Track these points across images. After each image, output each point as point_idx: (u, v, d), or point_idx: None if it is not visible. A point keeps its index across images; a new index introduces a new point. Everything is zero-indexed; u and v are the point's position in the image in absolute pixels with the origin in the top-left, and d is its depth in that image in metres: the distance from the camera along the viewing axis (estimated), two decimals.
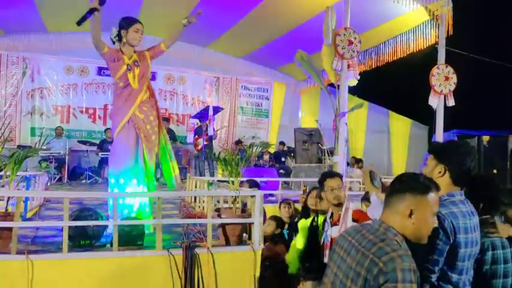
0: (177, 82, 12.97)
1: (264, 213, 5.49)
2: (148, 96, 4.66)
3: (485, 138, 11.47)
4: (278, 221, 5.01)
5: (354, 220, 3.29)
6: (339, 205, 3.52)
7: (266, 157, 12.09)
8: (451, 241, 2.05)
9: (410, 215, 1.84)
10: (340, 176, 3.64)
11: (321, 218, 3.95)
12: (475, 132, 11.80)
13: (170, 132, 11.28)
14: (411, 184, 1.90)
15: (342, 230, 3.25)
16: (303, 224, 4.16)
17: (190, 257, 3.70)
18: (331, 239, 3.43)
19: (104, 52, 4.35)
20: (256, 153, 4.73)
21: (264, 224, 4.77)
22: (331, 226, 3.52)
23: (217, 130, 11.68)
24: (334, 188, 3.52)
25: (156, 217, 3.91)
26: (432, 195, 1.87)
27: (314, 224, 4.00)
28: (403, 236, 1.85)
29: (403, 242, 1.84)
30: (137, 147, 4.55)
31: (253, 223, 4.04)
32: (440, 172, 2.22)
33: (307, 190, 6.03)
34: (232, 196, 4.25)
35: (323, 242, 3.56)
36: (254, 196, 4.06)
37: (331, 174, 3.66)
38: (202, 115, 10.28)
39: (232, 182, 4.14)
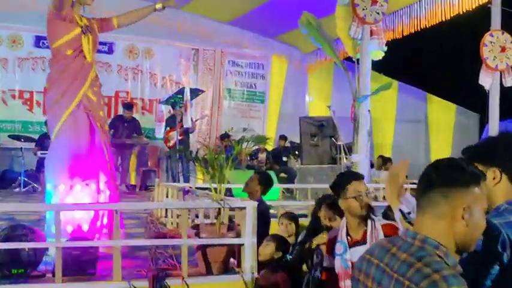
0: (142, 56, 12.94)
1: (262, 231, 5.46)
2: (96, 75, 4.67)
3: None
4: (279, 241, 5.02)
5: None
6: (365, 218, 3.49)
7: (262, 156, 12.12)
8: (506, 257, 2.07)
9: (460, 216, 1.83)
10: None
11: (320, 239, 3.95)
12: None
13: (133, 123, 11.28)
14: (456, 174, 1.87)
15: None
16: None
17: None
18: (352, 264, 3.44)
19: (63, 12, 4.36)
20: (248, 150, 4.74)
21: (259, 245, 4.78)
22: (350, 247, 3.51)
23: (195, 120, 11.67)
24: (361, 193, 3.45)
25: (113, 237, 3.91)
26: (483, 186, 1.87)
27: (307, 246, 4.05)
28: (446, 246, 1.83)
29: (450, 256, 1.82)
30: (92, 141, 4.55)
31: (243, 245, 4.04)
32: (494, 178, 2.23)
33: (319, 199, 6.02)
34: (216, 209, 4.26)
35: (339, 270, 3.56)
36: (245, 208, 4.07)
37: (356, 175, 3.63)
38: (176, 100, 10.27)
39: (216, 189, 4.14)
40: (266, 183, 5.57)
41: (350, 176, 3.62)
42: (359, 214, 3.46)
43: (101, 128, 4.59)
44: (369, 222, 3.45)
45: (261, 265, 4.60)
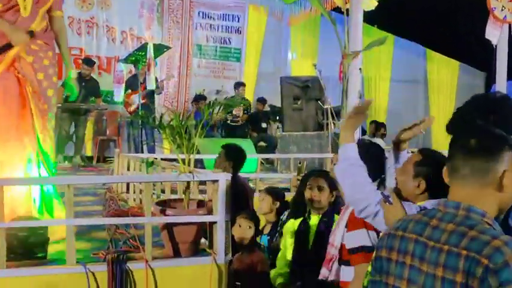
0: (97, 7, 12.74)
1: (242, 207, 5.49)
2: (44, 28, 4.59)
3: None
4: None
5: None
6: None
7: (240, 114, 12.07)
8: None
9: (503, 182, 1.95)
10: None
11: (315, 218, 4.01)
12: None
13: (92, 82, 11.11)
14: (496, 140, 2.00)
15: (338, 235, 3.34)
16: (291, 226, 4.22)
17: (120, 275, 3.72)
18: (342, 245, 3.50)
19: None
20: (220, 115, 4.72)
21: (237, 221, 4.84)
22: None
23: (161, 81, 11.57)
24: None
25: (66, 216, 3.90)
26: None
27: (302, 227, 4.07)
28: (490, 213, 1.95)
29: (496, 223, 1.94)
30: (22, 109, 4.48)
31: (215, 223, 4.07)
32: None
33: (303, 170, 6.08)
34: (184, 182, 4.26)
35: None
36: (217, 181, 4.08)
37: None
38: (138, 58, 10.17)
39: (184, 160, 4.14)
40: (235, 157, 5.47)
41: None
42: None
43: (34, 95, 4.49)
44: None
45: (236, 246, 4.66)
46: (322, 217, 4.07)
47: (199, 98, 12.18)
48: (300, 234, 4.13)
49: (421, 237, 1.96)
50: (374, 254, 2.09)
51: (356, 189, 2.71)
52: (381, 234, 2.06)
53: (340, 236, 3.31)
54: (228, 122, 12.04)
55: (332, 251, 3.39)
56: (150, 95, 10.68)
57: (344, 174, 2.76)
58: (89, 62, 11.14)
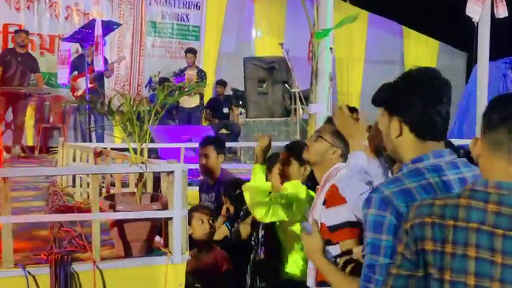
0: None
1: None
2: None
3: None
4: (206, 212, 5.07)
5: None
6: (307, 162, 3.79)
7: (196, 101, 12.02)
8: None
9: None
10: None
11: None
12: None
13: (29, 58, 10.94)
14: None
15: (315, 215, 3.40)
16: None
17: (64, 278, 3.68)
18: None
19: None
20: (176, 99, 4.67)
21: (196, 217, 4.82)
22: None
23: (111, 63, 11.48)
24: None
25: (1, 212, 3.83)
26: None
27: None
28: None
29: None
30: None
31: (171, 219, 4.05)
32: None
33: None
34: (136, 174, 4.22)
35: None
36: (172, 173, 4.06)
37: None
38: (85, 36, 10.04)
39: (136, 150, 4.11)
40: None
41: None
42: None
43: None
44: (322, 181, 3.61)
45: (194, 243, 4.65)
46: None
47: (162, 81, 12.10)
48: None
49: (483, 225, 1.96)
50: (410, 246, 2.05)
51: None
52: (411, 223, 2.07)
53: (318, 216, 3.34)
54: (184, 106, 11.92)
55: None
56: (98, 78, 10.58)
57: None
58: (20, 31, 10.96)
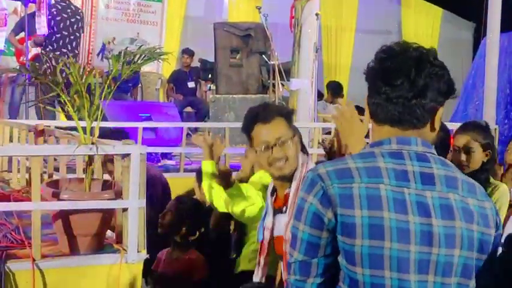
0: None
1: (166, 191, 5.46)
2: None
3: None
4: (191, 208, 5.07)
5: None
6: (286, 178, 3.62)
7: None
8: None
9: None
10: (288, 117, 3.72)
11: None
12: None
13: None
14: None
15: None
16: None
17: None
18: (274, 236, 3.58)
19: None
20: (134, 68, 4.64)
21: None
22: (275, 212, 3.64)
23: None
24: (271, 143, 3.57)
25: None
26: None
27: None
28: None
29: None
30: None
31: (126, 210, 4.03)
32: None
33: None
34: (85, 157, 4.19)
35: (261, 241, 3.70)
36: (128, 156, 4.04)
37: (263, 115, 3.69)
38: None
39: (85, 129, 4.08)
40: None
41: (254, 116, 3.72)
42: (272, 174, 3.67)
43: None
44: (294, 182, 3.56)
45: (160, 239, 4.66)
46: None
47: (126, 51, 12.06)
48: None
49: None
50: None
51: None
52: None
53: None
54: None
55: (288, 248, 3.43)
56: (42, 44, 10.49)
57: None
58: None
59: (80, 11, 10.96)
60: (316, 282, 2.21)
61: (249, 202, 4.08)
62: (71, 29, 10.11)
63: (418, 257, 2.15)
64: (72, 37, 10.12)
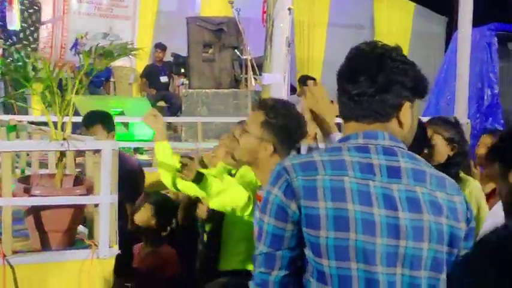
0: None
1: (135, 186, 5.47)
2: None
3: None
4: (161, 203, 5.06)
5: None
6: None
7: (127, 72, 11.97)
8: None
9: None
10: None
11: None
12: None
13: None
14: None
15: None
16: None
17: None
18: None
19: None
20: (105, 63, 4.63)
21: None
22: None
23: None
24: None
25: None
26: None
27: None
28: None
29: None
30: None
31: (98, 205, 4.04)
32: None
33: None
34: (56, 153, 4.18)
35: None
36: (100, 151, 4.04)
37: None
38: None
39: (56, 124, 4.08)
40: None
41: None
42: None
43: None
44: None
45: (134, 235, 4.67)
46: None
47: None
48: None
49: None
50: None
51: None
52: None
53: None
54: None
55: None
56: (10, 37, 10.43)
57: None
58: None
59: (37, 1, 10.90)
60: (280, 274, 2.21)
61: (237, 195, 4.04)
62: (30, 20, 10.05)
63: (386, 249, 2.16)
64: (32, 28, 10.06)
